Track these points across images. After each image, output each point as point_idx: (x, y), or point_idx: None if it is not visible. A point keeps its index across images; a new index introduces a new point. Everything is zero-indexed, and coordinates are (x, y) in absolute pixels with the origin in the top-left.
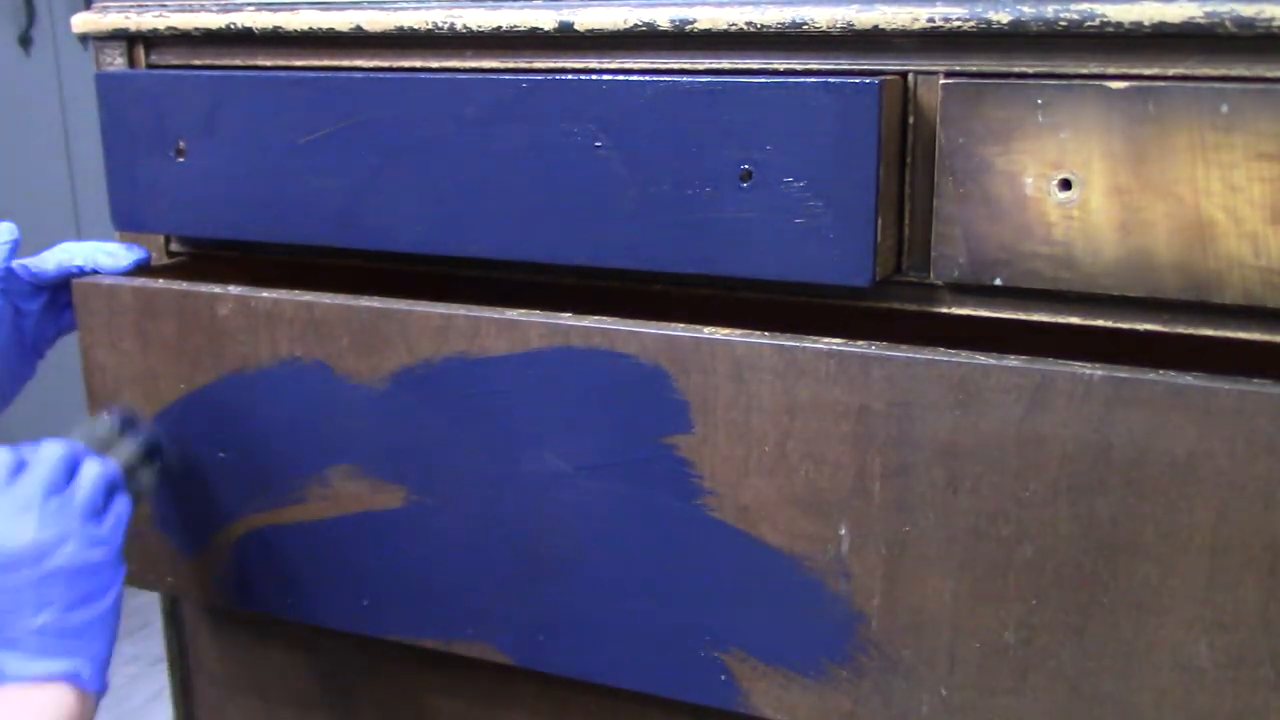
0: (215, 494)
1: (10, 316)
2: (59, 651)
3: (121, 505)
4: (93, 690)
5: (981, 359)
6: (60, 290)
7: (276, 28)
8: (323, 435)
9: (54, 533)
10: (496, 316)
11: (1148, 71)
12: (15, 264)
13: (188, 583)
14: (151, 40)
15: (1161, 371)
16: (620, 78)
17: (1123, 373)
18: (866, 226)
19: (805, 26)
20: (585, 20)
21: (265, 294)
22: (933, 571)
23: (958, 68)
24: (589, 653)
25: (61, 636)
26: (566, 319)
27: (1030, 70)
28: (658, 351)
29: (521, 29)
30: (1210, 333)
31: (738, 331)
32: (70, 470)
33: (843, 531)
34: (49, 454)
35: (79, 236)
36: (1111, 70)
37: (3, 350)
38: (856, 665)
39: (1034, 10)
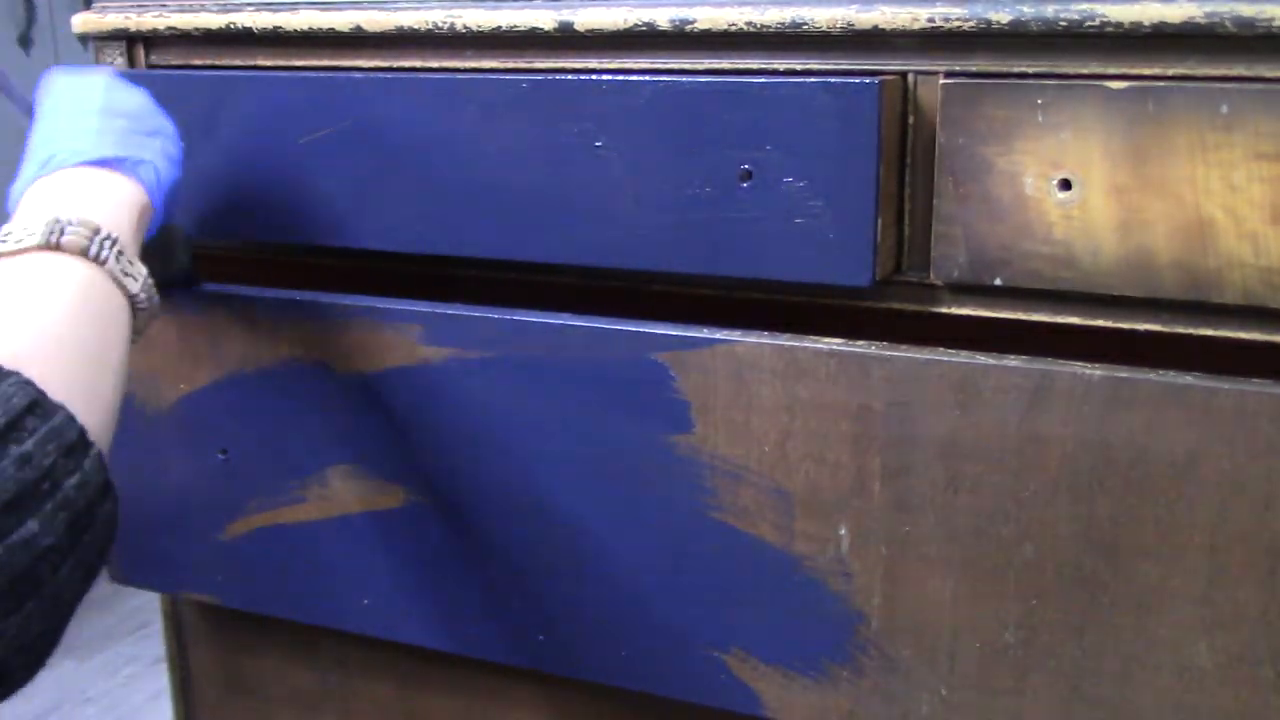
0: (215, 494)
1: None
2: (124, 147)
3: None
4: (150, 187)
5: (981, 359)
6: None
7: (276, 28)
8: (323, 435)
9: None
10: (496, 317)
11: (1148, 71)
12: None
13: (187, 583)
14: (151, 40)
15: (1161, 371)
16: (620, 78)
17: (1123, 373)
18: (866, 226)
19: (805, 26)
20: (585, 20)
21: (265, 294)
22: (933, 571)
23: (958, 68)
24: (589, 653)
25: (125, 143)
26: (566, 319)
27: (1030, 70)
28: (658, 351)
29: (521, 29)
30: (1210, 333)
31: (738, 331)
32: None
33: (843, 531)
34: None
35: None
36: (1111, 70)
37: None
38: (856, 665)
39: (1034, 10)
